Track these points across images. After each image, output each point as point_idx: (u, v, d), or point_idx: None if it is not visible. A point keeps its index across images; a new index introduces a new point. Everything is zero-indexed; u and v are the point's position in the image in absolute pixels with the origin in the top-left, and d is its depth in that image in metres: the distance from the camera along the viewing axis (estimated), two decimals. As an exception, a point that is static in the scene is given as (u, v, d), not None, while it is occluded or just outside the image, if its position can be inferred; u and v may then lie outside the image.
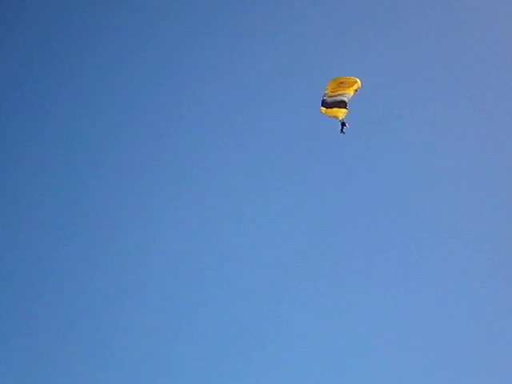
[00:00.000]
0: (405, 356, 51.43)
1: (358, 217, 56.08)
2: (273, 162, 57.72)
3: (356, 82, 38.61)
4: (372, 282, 53.94)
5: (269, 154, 57.52)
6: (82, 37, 61.72)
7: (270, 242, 55.89)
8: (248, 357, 51.66)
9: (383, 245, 54.88)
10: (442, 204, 56.12)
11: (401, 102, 58.50)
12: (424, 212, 55.92)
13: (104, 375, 51.27)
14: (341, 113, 38.45)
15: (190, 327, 53.09)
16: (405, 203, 56.38)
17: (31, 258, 56.01)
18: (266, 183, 57.60)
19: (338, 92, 38.18)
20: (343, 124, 38.97)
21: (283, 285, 53.97)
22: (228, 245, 55.84)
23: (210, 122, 58.45)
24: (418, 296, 53.48)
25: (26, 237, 56.78)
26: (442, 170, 57.19)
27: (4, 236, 56.73)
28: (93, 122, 60.43)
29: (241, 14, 61.12)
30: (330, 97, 38.46)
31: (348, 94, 38.32)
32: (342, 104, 38.20)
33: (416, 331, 51.91)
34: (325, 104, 38.61)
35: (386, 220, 55.94)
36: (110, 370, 51.49)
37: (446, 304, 52.84)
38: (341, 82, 38.30)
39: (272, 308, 53.45)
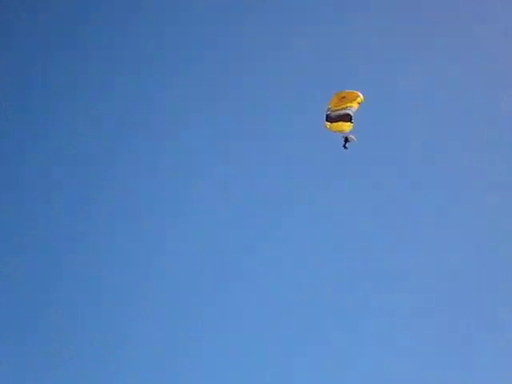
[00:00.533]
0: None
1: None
2: (273, 180, 57.25)
3: (358, 95, 38.27)
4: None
5: (270, 174, 57.03)
6: (86, 39, 61.39)
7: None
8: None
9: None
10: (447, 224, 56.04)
11: (405, 114, 57.96)
12: (428, 232, 55.86)
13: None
14: (346, 126, 38.11)
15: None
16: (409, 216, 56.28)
17: (34, 261, 56.13)
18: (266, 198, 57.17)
19: (342, 106, 37.92)
20: (346, 139, 38.63)
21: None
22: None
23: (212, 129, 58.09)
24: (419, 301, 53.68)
25: (31, 240, 56.98)
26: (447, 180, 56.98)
27: (5, 238, 56.55)
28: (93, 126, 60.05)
29: (245, 26, 60.63)
30: (333, 111, 38.13)
31: (352, 107, 37.97)
32: (346, 117, 37.89)
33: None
34: (329, 119, 38.28)
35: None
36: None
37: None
38: (342, 97, 38.08)
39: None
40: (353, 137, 38.54)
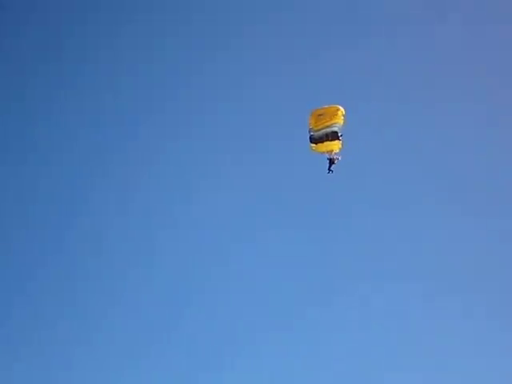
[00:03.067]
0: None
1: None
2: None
3: (338, 109, 33.79)
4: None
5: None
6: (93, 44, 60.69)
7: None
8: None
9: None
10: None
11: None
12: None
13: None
14: (335, 145, 33.80)
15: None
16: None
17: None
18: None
19: (325, 124, 33.52)
20: (331, 162, 34.21)
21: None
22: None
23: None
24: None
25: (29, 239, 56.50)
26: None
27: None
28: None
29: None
30: (316, 131, 33.79)
31: (338, 123, 33.52)
32: (334, 135, 33.57)
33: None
34: (313, 140, 33.95)
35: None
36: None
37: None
38: (319, 115, 33.70)
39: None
40: (338, 157, 34.35)
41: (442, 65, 57.55)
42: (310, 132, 34.31)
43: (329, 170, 34.54)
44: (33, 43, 60.36)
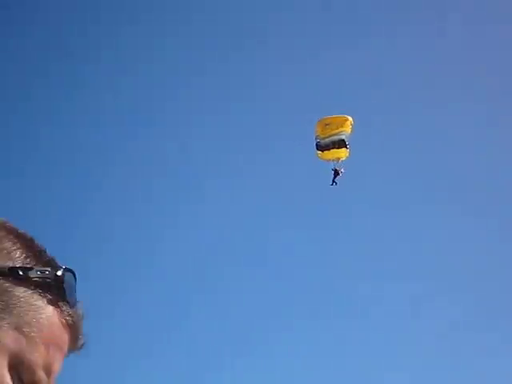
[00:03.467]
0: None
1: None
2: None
3: (347, 119, 33.63)
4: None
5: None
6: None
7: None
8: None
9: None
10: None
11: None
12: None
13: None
14: (342, 152, 33.45)
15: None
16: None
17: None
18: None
19: (331, 132, 33.44)
20: (336, 173, 33.39)
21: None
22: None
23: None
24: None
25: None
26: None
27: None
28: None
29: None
30: (323, 139, 33.52)
31: (345, 131, 33.38)
32: (341, 143, 33.34)
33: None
34: (319, 147, 33.72)
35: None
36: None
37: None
38: (326, 124, 33.60)
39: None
40: (342, 169, 33.61)
41: (442, 65, 56.78)
42: (316, 139, 34.21)
43: (333, 181, 33.98)
44: (32, 43, 58.39)
